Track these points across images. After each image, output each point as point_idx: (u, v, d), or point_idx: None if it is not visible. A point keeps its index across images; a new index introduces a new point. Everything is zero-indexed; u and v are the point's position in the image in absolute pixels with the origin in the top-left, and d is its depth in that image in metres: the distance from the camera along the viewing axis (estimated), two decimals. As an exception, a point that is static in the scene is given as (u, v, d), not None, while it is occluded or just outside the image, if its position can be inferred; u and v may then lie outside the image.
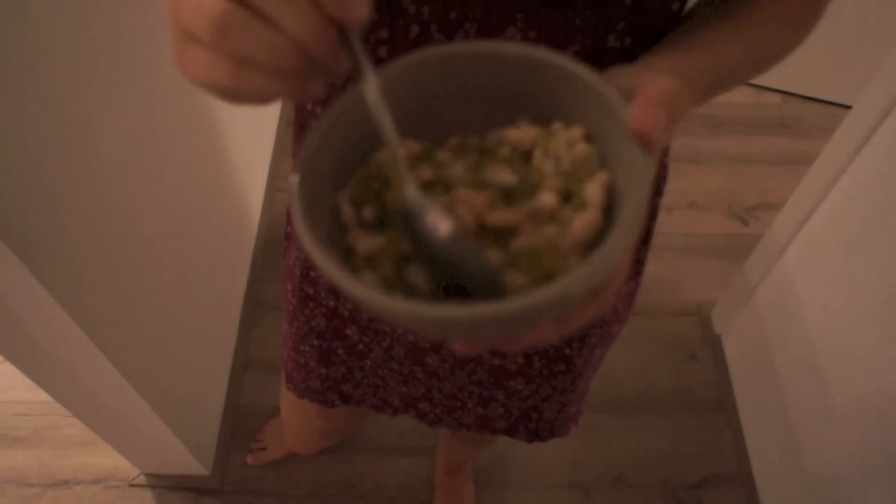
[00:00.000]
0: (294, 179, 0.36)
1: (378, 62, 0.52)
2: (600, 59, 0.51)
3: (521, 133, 0.40)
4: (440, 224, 0.35)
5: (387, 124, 0.35)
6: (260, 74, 0.30)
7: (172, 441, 1.25)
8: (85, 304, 0.91)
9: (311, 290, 0.74)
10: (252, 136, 1.72)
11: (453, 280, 0.35)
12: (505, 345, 0.38)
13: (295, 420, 1.05)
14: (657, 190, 0.66)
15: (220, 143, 1.43)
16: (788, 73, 2.16)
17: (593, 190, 0.36)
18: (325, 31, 0.30)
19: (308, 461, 1.49)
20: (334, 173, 0.39)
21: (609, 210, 0.37)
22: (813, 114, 2.17)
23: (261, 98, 0.32)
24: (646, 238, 0.69)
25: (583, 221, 0.35)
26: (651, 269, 1.70)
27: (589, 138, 0.39)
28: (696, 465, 1.54)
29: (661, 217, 0.73)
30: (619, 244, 0.32)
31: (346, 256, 0.38)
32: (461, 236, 0.35)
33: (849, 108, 2.12)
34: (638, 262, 0.71)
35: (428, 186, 0.39)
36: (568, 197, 0.37)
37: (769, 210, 1.93)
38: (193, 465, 1.37)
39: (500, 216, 0.37)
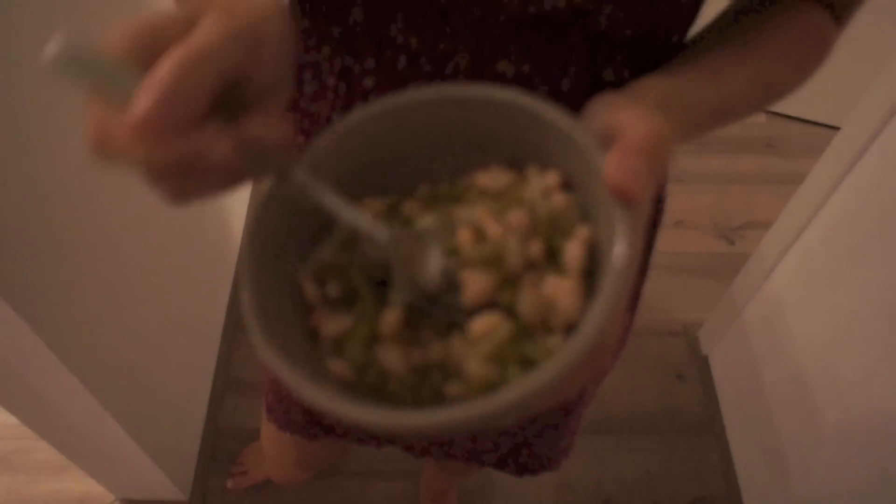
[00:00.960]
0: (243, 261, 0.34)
1: (364, 93, 0.50)
2: (596, 92, 0.48)
3: (493, 177, 0.37)
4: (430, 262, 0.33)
5: (330, 199, 0.33)
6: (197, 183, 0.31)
7: (149, 465, 1.21)
8: (54, 323, 0.88)
9: None
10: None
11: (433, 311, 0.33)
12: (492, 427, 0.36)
13: (274, 450, 1.03)
14: (653, 222, 0.64)
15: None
16: (773, 93, 2.17)
17: (573, 252, 0.33)
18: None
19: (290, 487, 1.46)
20: (293, 242, 0.36)
21: (591, 267, 0.34)
22: (798, 134, 2.18)
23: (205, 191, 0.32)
24: (643, 269, 0.67)
25: (566, 300, 0.32)
26: (638, 289, 1.70)
27: (566, 185, 0.36)
28: (684, 487, 1.52)
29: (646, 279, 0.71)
30: (600, 322, 0.29)
31: (312, 339, 0.35)
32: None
33: (834, 128, 2.14)
34: (634, 297, 0.69)
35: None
36: (548, 249, 0.34)
37: (755, 229, 1.93)
38: (171, 490, 1.34)
39: (477, 287, 0.34)
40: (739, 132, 2.18)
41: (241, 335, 1.66)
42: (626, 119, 0.34)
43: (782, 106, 2.19)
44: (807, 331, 1.27)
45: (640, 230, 0.34)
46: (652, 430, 1.59)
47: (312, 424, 0.83)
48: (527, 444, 0.81)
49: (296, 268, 0.36)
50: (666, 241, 1.90)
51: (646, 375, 1.67)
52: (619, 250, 0.30)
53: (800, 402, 1.28)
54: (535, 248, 0.34)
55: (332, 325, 0.35)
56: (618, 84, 0.47)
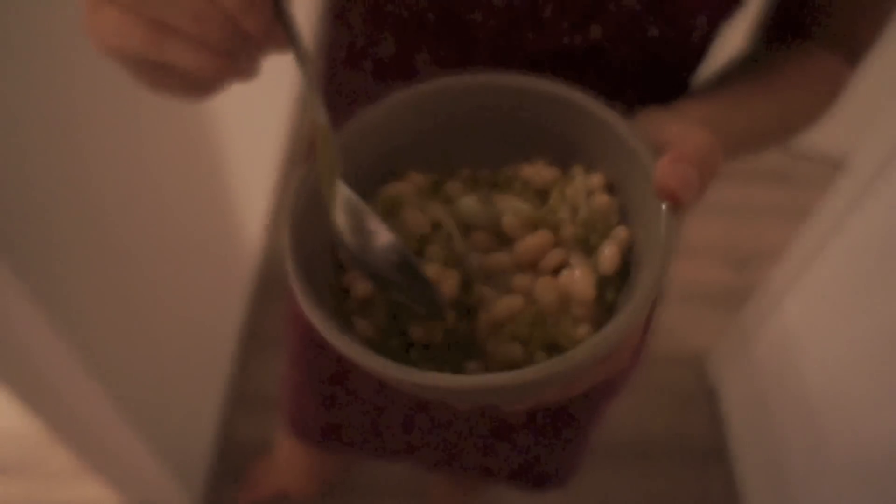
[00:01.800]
0: (290, 211, 0.34)
1: None
2: None
3: (536, 171, 0.38)
4: (380, 235, 0.33)
5: (315, 99, 0.32)
6: (182, 44, 0.27)
7: (163, 475, 1.23)
8: (83, 332, 0.90)
9: (316, 336, 0.73)
10: (253, 168, 1.73)
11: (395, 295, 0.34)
12: (507, 408, 0.37)
13: (288, 460, 1.03)
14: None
15: (221, 175, 1.44)
16: (784, 127, 2.19)
17: (609, 253, 0.34)
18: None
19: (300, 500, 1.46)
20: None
21: (625, 266, 0.35)
22: (808, 166, 2.19)
23: (183, 78, 0.29)
24: (658, 297, 0.69)
25: (582, 289, 0.33)
26: (647, 316, 1.70)
27: (610, 188, 0.36)
28: (690, 516, 1.52)
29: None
30: (632, 317, 0.30)
31: (342, 299, 0.36)
32: (398, 249, 0.33)
33: (843, 162, 2.15)
34: (648, 321, 0.71)
35: (435, 227, 0.37)
36: (584, 247, 0.35)
37: (765, 259, 1.94)
38: (184, 501, 1.35)
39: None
40: (750, 164, 2.19)
41: (254, 349, 1.67)
42: (676, 131, 0.35)
43: (808, 129, 2.21)
44: (815, 361, 1.28)
45: (679, 236, 0.35)
46: (659, 458, 1.59)
47: (329, 436, 0.84)
48: (538, 459, 0.82)
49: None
50: (675, 269, 1.90)
51: (654, 403, 1.67)
52: (668, 233, 0.31)
53: (808, 432, 1.29)
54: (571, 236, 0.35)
55: (362, 286, 0.35)
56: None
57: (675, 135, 0.34)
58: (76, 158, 0.86)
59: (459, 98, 0.38)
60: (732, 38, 0.54)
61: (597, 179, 0.36)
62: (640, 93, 0.49)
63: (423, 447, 0.83)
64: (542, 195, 0.38)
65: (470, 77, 0.37)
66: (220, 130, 1.38)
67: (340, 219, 0.33)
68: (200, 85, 0.31)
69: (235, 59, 0.29)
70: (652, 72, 0.48)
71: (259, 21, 0.28)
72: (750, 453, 1.52)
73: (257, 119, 1.72)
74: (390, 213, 0.37)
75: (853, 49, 0.53)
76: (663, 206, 0.32)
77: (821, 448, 1.24)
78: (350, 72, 0.53)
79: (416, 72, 0.49)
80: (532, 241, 0.35)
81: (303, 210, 0.35)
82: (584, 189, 0.36)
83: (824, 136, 2.16)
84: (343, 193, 0.33)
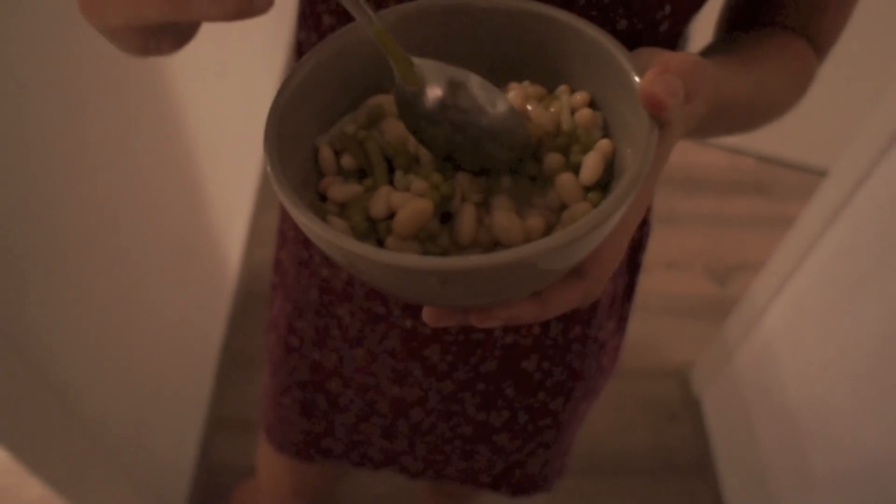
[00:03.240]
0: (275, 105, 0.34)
1: None
2: None
3: (522, 88, 0.39)
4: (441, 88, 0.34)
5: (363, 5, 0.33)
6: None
7: (140, 503, 1.20)
8: (55, 357, 0.88)
9: (295, 342, 0.73)
10: (232, 188, 1.71)
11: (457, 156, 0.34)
12: (478, 320, 0.34)
13: (270, 477, 1.02)
14: (639, 245, 0.66)
15: (200, 196, 1.42)
16: (762, 138, 2.21)
17: (591, 163, 0.34)
18: None
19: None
20: (322, 113, 0.37)
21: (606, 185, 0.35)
22: (787, 177, 2.21)
23: (183, 32, 0.29)
24: (629, 291, 0.69)
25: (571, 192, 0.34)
26: (630, 329, 1.71)
27: (594, 105, 0.37)
28: (676, 530, 1.51)
29: (640, 277, 0.73)
30: (612, 207, 0.29)
31: (320, 202, 0.36)
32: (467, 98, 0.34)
33: (822, 172, 2.17)
34: (622, 318, 0.71)
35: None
36: (568, 161, 0.36)
37: (747, 271, 1.95)
38: (160, 528, 1.32)
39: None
40: (730, 175, 2.21)
41: (233, 372, 1.65)
42: (668, 54, 0.34)
43: (772, 149, 2.23)
44: (798, 373, 1.28)
45: (665, 150, 0.34)
46: (643, 471, 1.59)
47: (310, 446, 0.83)
48: (520, 463, 0.82)
49: (317, 135, 0.37)
50: (657, 282, 1.92)
51: (637, 416, 1.67)
52: (651, 138, 0.31)
53: (791, 444, 1.29)
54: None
55: (339, 190, 0.35)
56: None
57: (666, 55, 0.34)
58: (50, 174, 0.85)
59: (447, 18, 0.38)
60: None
61: (580, 97, 0.37)
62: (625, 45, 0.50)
63: (404, 454, 0.82)
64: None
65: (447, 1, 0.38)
66: (200, 150, 1.37)
67: (435, 93, 0.35)
68: (190, 34, 0.31)
69: None
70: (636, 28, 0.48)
71: None
72: (733, 465, 1.52)
73: (237, 139, 1.71)
74: (374, 122, 0.38)
75: (814, 42, 0.53)
76: (646, 116, 0.32)
77: (804, 459, 1.24)
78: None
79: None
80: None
81: (283, 117, 0.34)
82: (568, 106, 0.36)
83: (805, 147, 2.18)
84: (428, 68, 0.35)
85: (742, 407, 1.48)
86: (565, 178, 0.34)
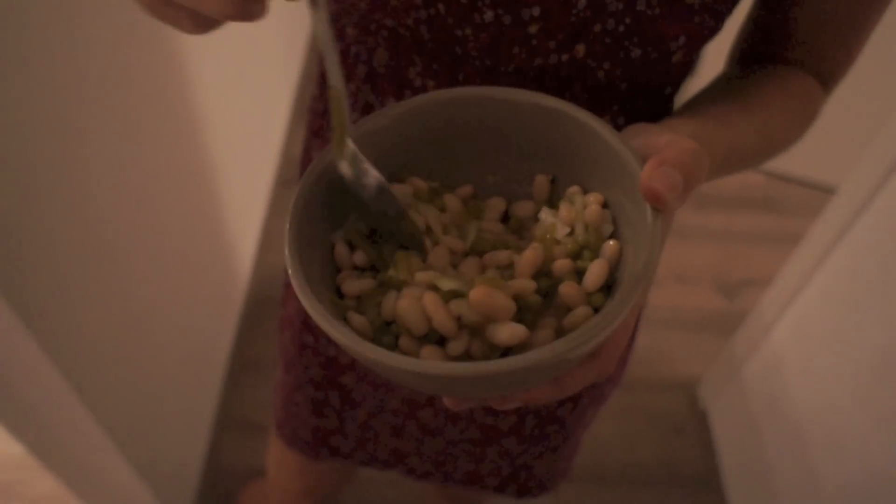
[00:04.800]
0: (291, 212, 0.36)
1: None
2: None
3: (529, 207, 0.41)
4: (371, 178, 0.36)
5: (332, 63, 0.35)
6: None
7: (150, 501, 1.21)
8: (68, 355, 0.89)
9: (310, 340, 0.74)
10: (245, 193, 1.73)
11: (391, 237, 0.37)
12: (497, 404, 0.37)
13: (279, 476, 1.03)
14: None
15: (212, 200, 1.44)
16: (773, 155, 2.21)
17: (596, 271, 0.35)
18: None
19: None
20: (334, 211, 0.39)
21: (615, 271, 0.36)
22: (796, 194, 2.21)
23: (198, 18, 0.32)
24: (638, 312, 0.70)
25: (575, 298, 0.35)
26: (638, 342, 1.71)
27: (604, 203, 0.38)
28: (681, 544, 1.51)
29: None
30: (619, 309, 0.31)
31: (338, 298, 0.37)
32: (387, 191, 0.36)
33: (831, 189, 2.17)
34: (635, 323, 0.72)
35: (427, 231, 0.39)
36: (575, 259, 0.37)
37: (755, 286, 1.96)
38: (168, 528, 1.33)
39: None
40: (739, 191, 2.22)
41: (242, 374, 1.66)
42: (664, 140, 0.36)
43: (780, 166, 2.23)
44: (805, 388, 1.28)
45: (664, 235, 0.35)
46: (650, 485, 1.59)
47: (319, 443, 0.84)
48: (526, 466, 0.82)
49: (332, 232, 0.39)
50: (666, 295, 1.92)
51: (644, 429, 1.67)
52: (653, 234, 0.33)
53: (798, 458, 1.29)
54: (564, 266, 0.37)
55: (353, 284, 0.37)
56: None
57: (662, 142, 0.36)
58: (67, 177, 0.86)
59: (453, 110, 0.40)
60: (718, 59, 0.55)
61: (593, 198, 0.38)
62: (624, 107, 0.51)
63: (413, 455, 0.83)
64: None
65: (464, 90, 0.39)
66: (213, 153, 1.39)
67: (346, 169, 0.37)
68: (209, 23, 0.33)
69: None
70: (636, 88, 0.50)
71: None
72: (741, 479, 1.51)
73: (251, 144, 1.73)
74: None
75: (825, 73, 0.54)
76: (648, 209, 0.33)
77: (811, 473, 1.24)
78: (346, 80, 0.55)
79: (408, 82, 0.51)
80: (527, 257, 0.37)
81: (303, 212, 0.36)
82: (582, 211, 0.38)
83: (814, 163, 2.19)
84: (350, 148, 0.36)
85: (749, 420, 1.48)
86: (567, 288, 0.35)
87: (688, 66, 0.50)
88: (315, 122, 0.64)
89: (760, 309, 1.44)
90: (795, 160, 2.19)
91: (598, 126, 0.36)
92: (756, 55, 0.55)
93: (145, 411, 1.16)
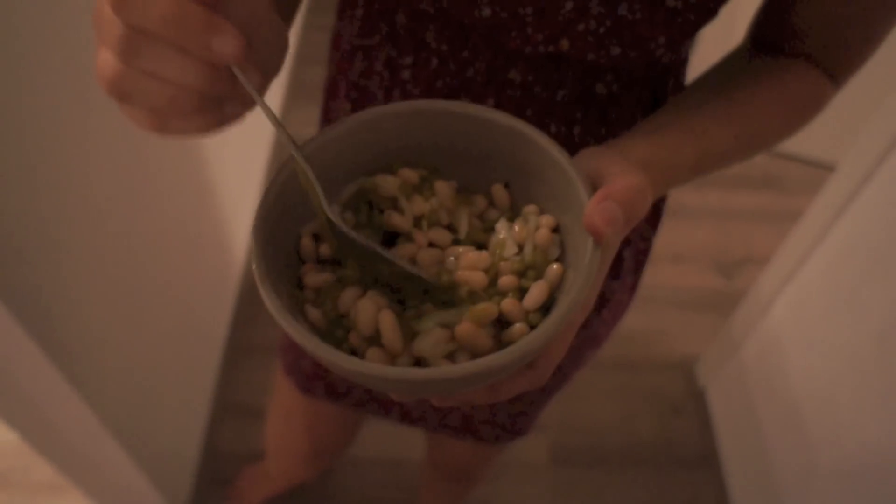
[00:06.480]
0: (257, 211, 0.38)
1: (402, 82, 0.58)
2: (588, 102, 0.55)
3: (498, 198, 0.44)
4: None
5: (293, 151, 0.37)
6: (176, 118, 0.32)
7: (146, 487, 1.21)
8: (64, 343, 0.89)
9: None
10: (240, 177, 1.72)
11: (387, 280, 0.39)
12: (437, 401, 0.40)
13: (281, 437, 1.04)
14: (652, 224, 0.68)
15: (207, 185, 1.43)
16: (771, 132, 2.20)
17: (537, 292, 0.38)
18: (211, 72, 0.31)
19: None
20: (303, 206, 0.40)
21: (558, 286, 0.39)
22: (796, 171, 2.20)
23: (185, 132, 0.34)
24: (640, 259, 0.70)
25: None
26: (635, 322, 1.70)
27: (556, 227, 0.41)
28: (679, 522, 1.52)
29: (646, 269, 0.73)
30: (552, 329, 0.34)
31: (299, 289, 0.40)
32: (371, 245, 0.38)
33: (831, 167, 2.16)
34: (635, 274, 0.73)
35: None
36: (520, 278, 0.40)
37: (753, 265, 1.95)
38: (166, 513, 1.34)
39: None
40: (738, 169, 2.20)
41: (239, 361, 1.66)
42: (612, 170, 0.39)
43: (780, 144, 2.22)
44: (803, 366, 1.28)
45: (605, 265, 0.39)
46: (648, 463, 1.59)
47: (316, 378, 0.86)
48: (522, 413, 0.85)
49: (299, 226, 0.41)
50: (664, 275, 1.92)
51: (642, 408, 1.68)
52: (590, 264, 0.35)
53: (796, 436, 1.29)
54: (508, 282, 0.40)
55: (314, 277, 0.39)
56: (608, 96, 0.55)
57: (610, 173, 0.38)
58: (60, 160, 0.85)
59: (429, 119, 0.42)
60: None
61: (545, 221, 0.41)
62: (618, 75, 0.54)
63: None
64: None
65: (428, 102, 0.42)
66: (207, 140, 1.37)
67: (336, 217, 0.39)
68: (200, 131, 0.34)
69: (221, 111, 0.33)
70: (628, 56, 0.51)
71: (222, 86, 0.31)
72: (738, 458, 1.52)
73: (245, 129, 1.71)
74: (363, 199, 0.42)
75: (833, 69, 0.53)
76: (590, 240, 0.36)
77: (808, 451, 1.24)
78: (370, 34, 0.59)
79: (425, 44, 0.55)
80: (469, 267, 0.40)
81: (269, 213, 0.38)
82: (534, 232, 0.40)
83: (813, 141, 2.17)
84: (329, 211, 0.38)
85: (747, 400, 1.48)
86: (509, 304, 0.38)
87: (672, 61, 0.52)
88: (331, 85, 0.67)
89: (759, 288, 1.44)
90: (795, 138, 2.18)
91: (556, 153, 0.39)
92: (766, 43, 0.55)
93: (141, 397, 1.15)
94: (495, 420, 0.86)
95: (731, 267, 1.96)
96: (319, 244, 0.41)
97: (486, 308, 0.37)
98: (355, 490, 1.50)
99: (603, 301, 0.71)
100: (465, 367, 0.32)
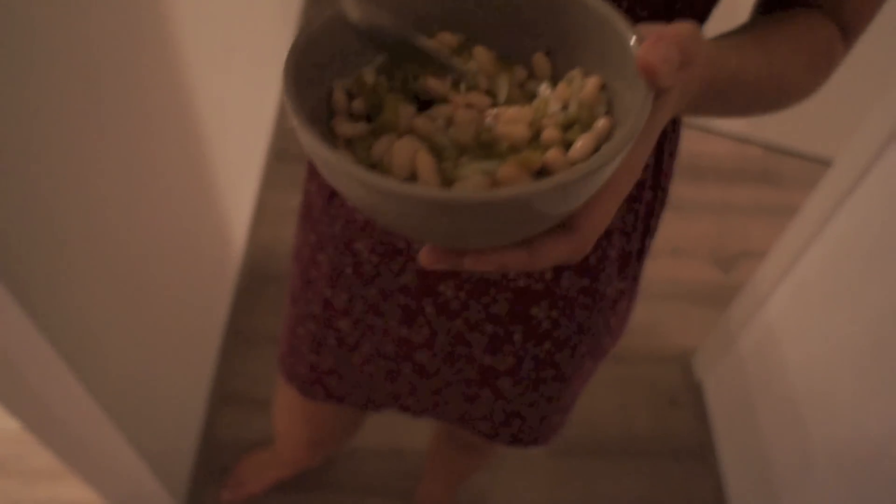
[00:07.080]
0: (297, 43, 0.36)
1: None
2: None
3: (540, 64, 0.42)
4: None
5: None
6: None
7: (145, 475, 1.22)
8: (63, 330, 0.89)
9: (315, 275, 0.75)
10: (239, 165, 1.72)
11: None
12: (471, 263, 0.36)
13: (285, 427, 1.05)
14: (652, 211, 0.67)
15: (207, 174, 1.43)
16: (769, 127, 2.20)
17: (581, 144, 0.35)
18: None
19: (284, 498, 1.46)
20: (341, 58, 0.39)
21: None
22: (793, 166, 2.21)
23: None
24: (641, 255, 0.70)
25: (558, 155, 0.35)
26: (633, 314, 1.71)
27: (602, 87, 0.38)
28: (675, 513, 1.53)
29: (645, 262, 0.74)
30: (592, 164, 0.31)
31: (330, 136, 0.38)
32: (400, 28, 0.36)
33: (828, 162, 2.17)
34: (634, 280, 0.72)
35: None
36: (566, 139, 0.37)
37: (751, 259, 1.96)
38: (166, 501, 1.34)
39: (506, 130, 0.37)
40: (735, 163, 2.21)
41: (238, 348, 1.67)
42: (664, 26, 0.36)
43: (777, 138, 2.23)
44: (800, 359, 1.29)
45: (658, 118, 0.36)
46: (645, 455, 1.60)
47: (315, 382, 0.86)
48: (519, 414, 0.83)
49: (333, 80, 0.39)
50: (662, 268, 1.92)
51: (639, 400, 1.68)
52: (644, 104, 0.33)
53: (792, 429, 1.30)
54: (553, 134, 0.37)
55: (346, 127, 0.37)
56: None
57: (662, 27, 0.36)
58: (58, 151, 0.85)
59: None
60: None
61: (592, 80, 0.38)
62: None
63: (408, 395, 0.84)
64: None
65: None
66: (206, 128, 1.37)
67: (351, 9, 0.37)
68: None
69: None
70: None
71: None
72: (734, 450, 1.53)
73: (244, 117, 1.71)
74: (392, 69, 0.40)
75: (845, 22, 0.53)
76: (643, 86, 0.33)
77: (804, 444, 1.25)
78: None
79: None
80: (510, 122, 0.37)
81: (300, 60, 0.36)
82: (579, 90, 0.38)
83: (811, 135, 2.18)
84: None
85: (744, 392, 1.49)
86: (553, 154, 0.35)
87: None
88: None
89: (756, 281, 1.44)
90: (793, 132, 2.19)
91: (608, 11, 0.37)
92: (778, 3, 0.54)
93: (141, 386, 1.16)
94: (493, 418, 0.85)
95: (729, 260, 1.96)
96: (353, 100, 0.39)
97: (531, 154, 0.34)
98: (356, 478, 1.51)
99: (612, 303, 0.71)
100: (506, 190, 0.29)
